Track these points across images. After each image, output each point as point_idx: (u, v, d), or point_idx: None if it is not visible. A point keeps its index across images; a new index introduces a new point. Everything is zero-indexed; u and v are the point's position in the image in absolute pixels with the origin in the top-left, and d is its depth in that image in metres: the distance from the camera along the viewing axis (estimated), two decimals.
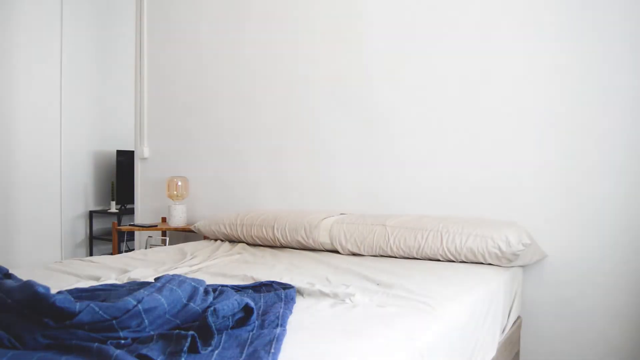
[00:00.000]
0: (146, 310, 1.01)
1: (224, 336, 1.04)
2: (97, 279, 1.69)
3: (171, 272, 1.74)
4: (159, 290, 1.08)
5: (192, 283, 1.17)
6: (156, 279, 1.20)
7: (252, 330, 1.09)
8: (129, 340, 0.99)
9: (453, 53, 2.37)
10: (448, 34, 2.38)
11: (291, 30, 2.83)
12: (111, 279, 1.69)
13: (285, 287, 1.44)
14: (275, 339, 1.02)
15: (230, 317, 1.09)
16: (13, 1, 3.85)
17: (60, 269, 1.86)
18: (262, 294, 1.38)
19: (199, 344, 0.96)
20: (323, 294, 1.45)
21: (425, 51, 2.44)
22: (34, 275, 1.67)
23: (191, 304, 1.10)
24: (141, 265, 1.95)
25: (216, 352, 0.96)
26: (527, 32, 2.21)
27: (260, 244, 2.46)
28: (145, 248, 3.04)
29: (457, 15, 2.36)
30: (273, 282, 1.49)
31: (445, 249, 2.00)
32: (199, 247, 2.39)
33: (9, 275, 1.39)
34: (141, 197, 3.44)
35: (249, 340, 1.03)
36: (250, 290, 1.44)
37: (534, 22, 2.20)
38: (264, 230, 2.42)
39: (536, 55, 2.19)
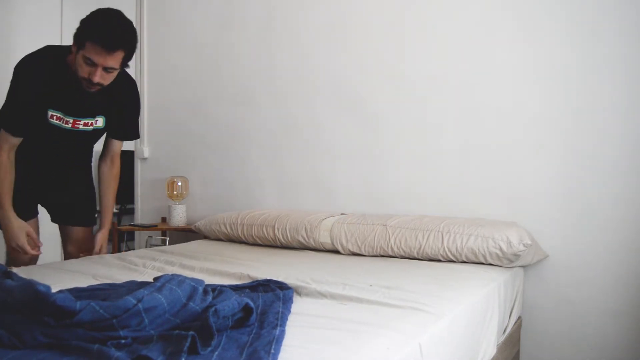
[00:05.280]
0: (146, 310, 1.01)
1: (223, 337, 1.03)
2: (97, 278, 1.69)
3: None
4: (159, 289, 1.08)
5: (192, 283, 1.17)
6: (155, 279, 1.19)
7: (252, 331, 1.08)
8: (130, 340, 0.98)
9: (453, 53, 2.37)
10: (448, 34, 2.38)
11: (291, 30, 2.83)
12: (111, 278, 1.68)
13: (283, 286, 1.43)
14: (274, 340, 1.02)
15: (230, 317, 1.08)
16: (13, 1, 3.84)
17: (61, 267, 1.86)
18: (259, 294, 1.37)
19: (198, 345, 0.95)
20: (322, 294, 1.45)
21: (426, 51, 2.44)
22: (34, 275, 1.67)
23: (191, 303, 1.10)
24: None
25: (216, 352, 0.96)
26: (528, 32, 2.21)
27: (261, 243, 2.46)
28: (146, 248, 3.04)
29: (458, 15, 2.36)
30: (270, 280, 1.49)
31: (446, 249, 2.00)
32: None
33: (8, 274, 1.38)
34: (141, 197, 3.44)
35: (248, 341, 1.02)
36: (247, 290, 1.43)
37: (535, 21, 2.19)
38: (264, 230, 2.41)
39: (537, 56, 2.19)
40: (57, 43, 4.07)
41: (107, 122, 2.10)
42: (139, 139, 3.36)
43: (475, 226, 2.03)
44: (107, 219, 2.25)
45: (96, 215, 2.34)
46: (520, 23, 2.23)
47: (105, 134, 2.19)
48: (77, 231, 2.30)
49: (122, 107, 2.11)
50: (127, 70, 2.03)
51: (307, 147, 2.78)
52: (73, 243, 2.30)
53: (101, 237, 2.23)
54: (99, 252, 2.20)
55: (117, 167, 2.24)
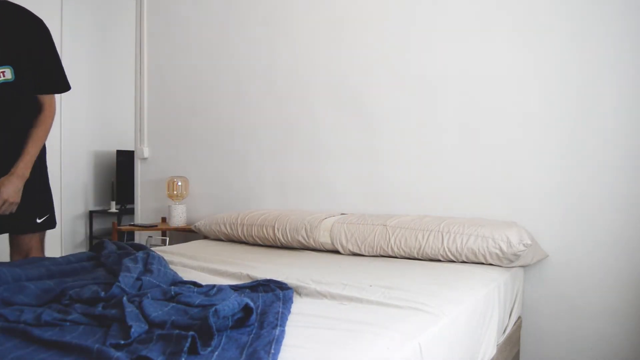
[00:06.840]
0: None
1: (223, 337, 1.03)
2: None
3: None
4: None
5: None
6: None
7: (252, 331, 1.08)
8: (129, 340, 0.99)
9: (453, 53, 2.37)
10: (448, 34, 2.38)
11: (291, 30, 2.83)
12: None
13: (283, 287, 1.44)
14: (274, 340, 1.02)
15: (229, 317, 1.08)
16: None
17: None
18: (260, 294, 1.37)
19: (198, 345, 0.96)
20: (322, 294, 1.45)
21: (425, 51, 2.44)
22: None
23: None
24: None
25: (216, 352, 0.96)
26: (526, 31, 2.21)
27: (261, 243, 2.46)
28: None
29: (457, 14, 2.36)
30: (270, 280, 1.49)
31: (446, 249, 2.00)
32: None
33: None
34: (141, 197, 3.44)
35: (248, 341, 1.02)
36: (248, 290, 1.43)
37: (534, 20, 2.19)
38: (264, 230, 2.41)
39: (536, 55, 2.19)
40: (57, 43, 4.08)
41: (17, 74, 1.80)
42: (139, 139, 3.40)
43: (475, 226, 2.03)
44: (21, 163, 1.83)
45: (47, 216, 1.98)
46: (520, 23, 2.22)
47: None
48: (22, 240, 1.94)
49: (32, 51, 1.84)
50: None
51: (307, 146, 2.78)
52: (18, 253, 1.95)
53: (3, 182, 1.77)
54: (2, 206, 1.75)
55: (46, 112, 1.95)
